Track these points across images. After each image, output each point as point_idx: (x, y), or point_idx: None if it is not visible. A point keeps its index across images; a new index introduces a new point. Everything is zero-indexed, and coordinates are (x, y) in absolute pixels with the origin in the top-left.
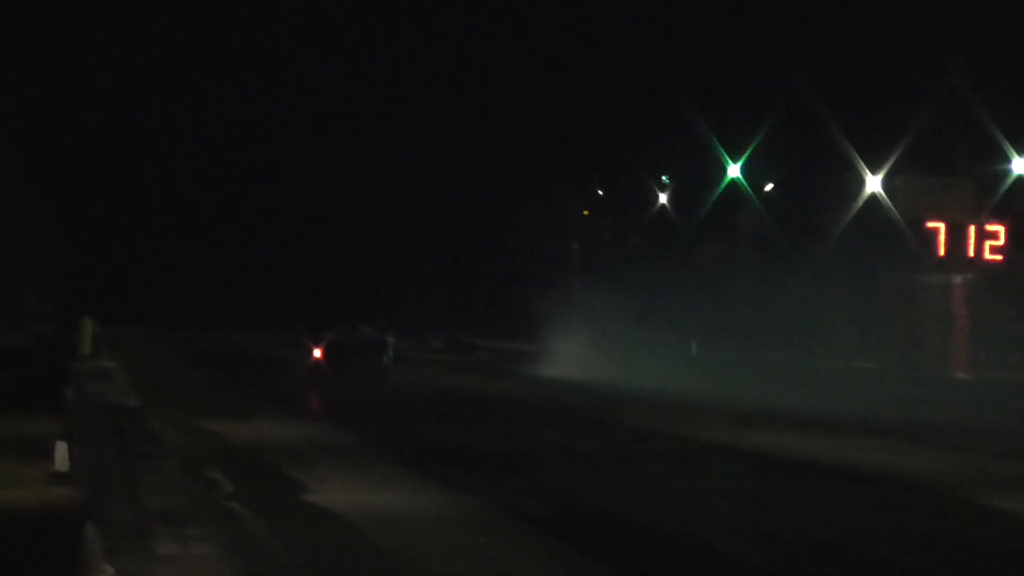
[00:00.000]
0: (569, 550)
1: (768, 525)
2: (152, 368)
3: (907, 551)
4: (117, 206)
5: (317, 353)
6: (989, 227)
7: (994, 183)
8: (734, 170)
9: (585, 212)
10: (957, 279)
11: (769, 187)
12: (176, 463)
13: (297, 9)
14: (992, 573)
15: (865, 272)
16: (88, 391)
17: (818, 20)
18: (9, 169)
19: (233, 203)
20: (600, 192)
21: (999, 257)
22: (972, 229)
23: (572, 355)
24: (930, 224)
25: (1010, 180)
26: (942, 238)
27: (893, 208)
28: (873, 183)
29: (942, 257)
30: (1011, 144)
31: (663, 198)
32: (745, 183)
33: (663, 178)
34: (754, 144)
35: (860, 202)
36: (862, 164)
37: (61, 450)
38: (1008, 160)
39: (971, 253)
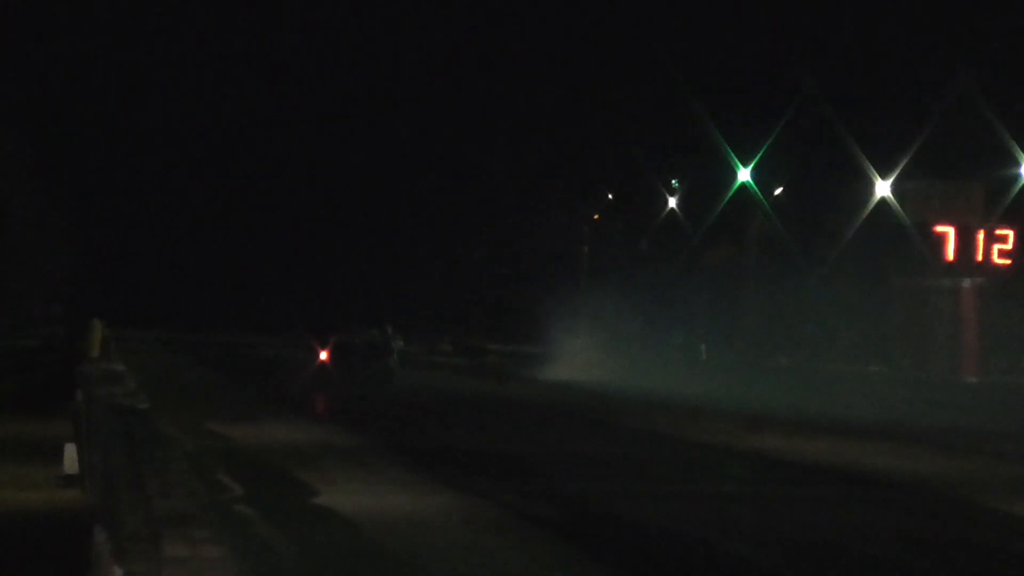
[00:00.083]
0: (576, 553)
1: (775, 528)
2: (160, 370)
3: (913, 554)
4: (125, 209)
5: (323, 355)
6: (998, 231)
7: (1003, 187)
8: (744, 174)
9: (595, 216)
10: (966, 283)
11: (779, 191)
12: (184, 465)
13: (304, 8)
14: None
15: (874, 276)
16: (97, 394)
17: (828, 24)
18: (18, 172)
19: (241, 206)
20: (610, 196)
21: (1008, 261)
22: (981, 233)
23: (581, 358)
24: (939, 228)
25: (1019, 184)
26: (951, 242)
27: (902, 212)
28: (883, 187)
29: (951, 261)
30: (1020, 148)
31: (672, 202)
32: (755, 187)
33: (672, 182)
34: (764, 148)
35: (869, 206)
36: (872, 168)
37: (70, 452)
38: (1017, 164)
39: (980, 257)
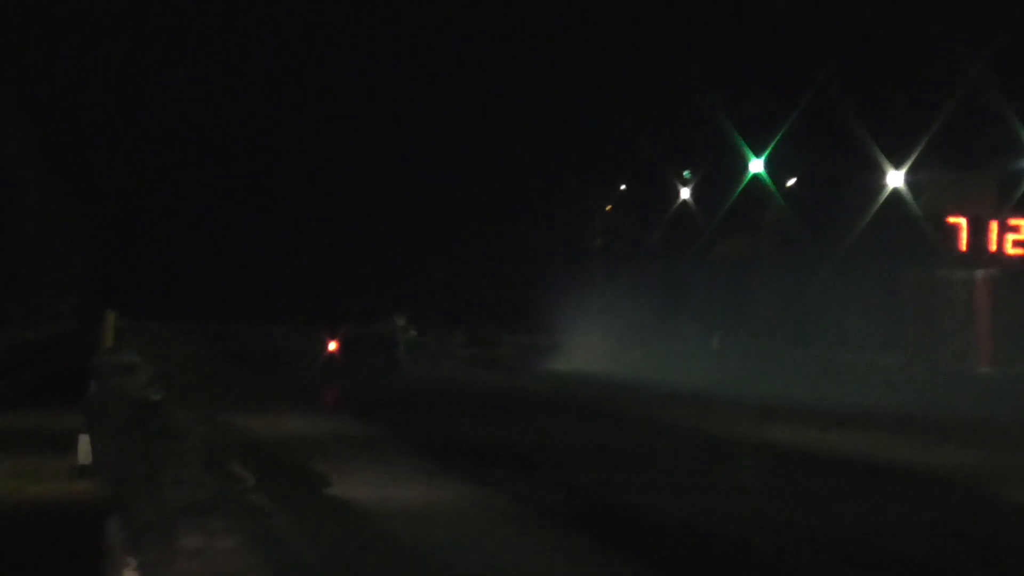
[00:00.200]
0: (592, 545)
1: (789, 520)
2: (173, 361)
3: (929, 546)
4: (139, 202)
5: (332, 346)
6: (1011, 222)
7: (1016, 178)
8: (756, 165)
9: (608, 207)
10: (979, 274)
11: (791, 182)
12: (198, 456)
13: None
14: (1017, 570)
15: (887, 267)
16: (111, 385)
17: (841, 15)
18: (32, 166)
19: (255, 198)
20: (622, 187)
21: (1021, 251)
22: (994, 224)
23: (594, 349)
24: (952, 219)
25: None
26: (964, 233)
27: (915, 203)
28: (895, 178)
29: (964, 252)
30: None
31: (685, 193)
32: (767, 178)
33: (684, 173)
34: (776, 139)
35: (882, 197)
36: (884, 159)
37: (84, 444)
38: None
39: (993, 248)
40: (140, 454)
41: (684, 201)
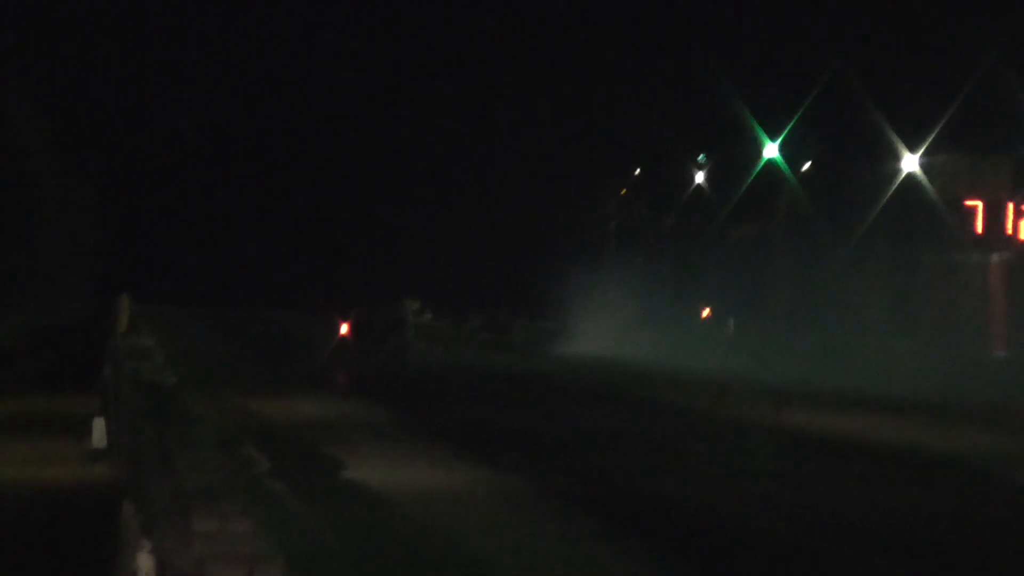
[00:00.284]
0: (605, 528)
1: (804, 504)
2: (188, 345)
3: (944, 530)
4: (154, 188)
5: (344, 329)
6: None
7: None
8: (771, 150)
9: (622, 192)
10: (995, 257)
11: (806, 166)
12: (213, 440)
13: None
14: None
15: (903, 251)
16: (125, 369)
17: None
18: (47, 152)
19: (270, 183)
20: (637, 172)
21: None
22: (1010, 207)
23: (609, 334)
24: (968, 203)
25: None
26: (980, 216)
27: (931, 187)
28: (911, 162)
29: (980, 235)
30: None
31: (700, 178)
32: (782, 163)
33: (699, 158)
34: (792, 123)
35: (898, 181)
36: (900, 143)
37: (99, 427)
38: None
39: (1009, 231)
40: (154, 438)
41: (699, 186)
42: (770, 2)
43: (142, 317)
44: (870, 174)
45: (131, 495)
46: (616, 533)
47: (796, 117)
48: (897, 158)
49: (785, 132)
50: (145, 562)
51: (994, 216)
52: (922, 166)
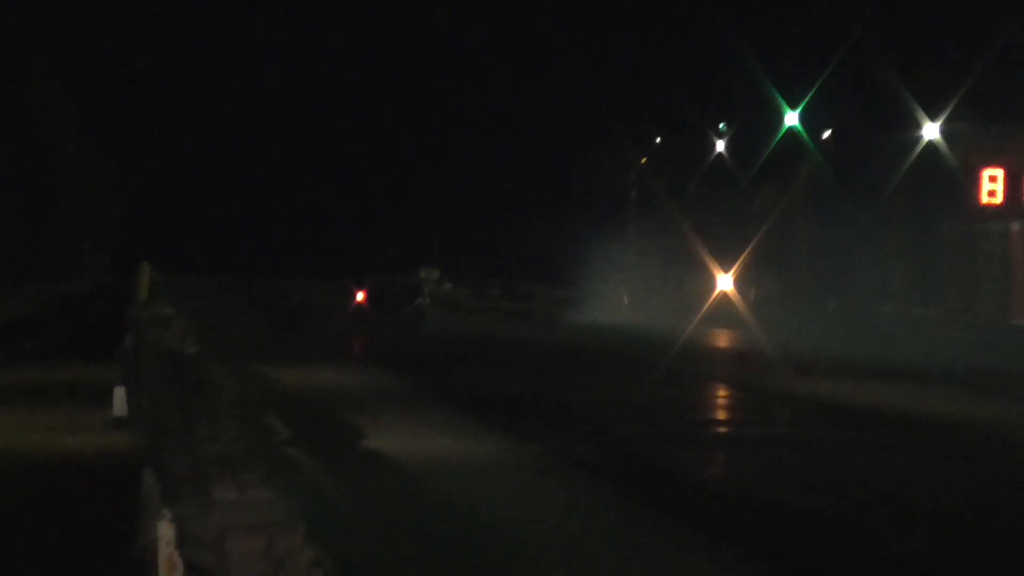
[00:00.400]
0: (624, 496)
1: (823, 472)
2: (208, 314)
3: (962, 499)
4: (174, 155)
5: (360, 297)
6: None
7: None
8: (792, 118)
9: (643, 160)
10: (1015, 225)
11: (827, 134)
12: (233, 409)
13: None
14: None
15: (923, 219)
16: (146, 338)
17: None
18: (67, 120)
19: (291, 152)
20: (658, 140)
21: None
22: None
23: (631, 301)
24: (989, 171)
25: None
26: (1000, 184)
27: (950, 155)
28: (931, 130)
29: (1000, 204)
30: None
31: (720, 146)
32: (803, 130)
33: (720, 126)
34: (812, 91)
35: (918, 149)
36: (920, 111)
37: (120, 396)
38: None
39: None
40: (175, 406)
41: (719, 154)
42: None
43: (163, 286)
44: (890, 142)
45: (152, 464)
46: (633, 502)
47: (816, 85)
48: (918, 126)
49: (805, 100)
50: (166, 530)
51: (1015, 184)
52: (943, 134)
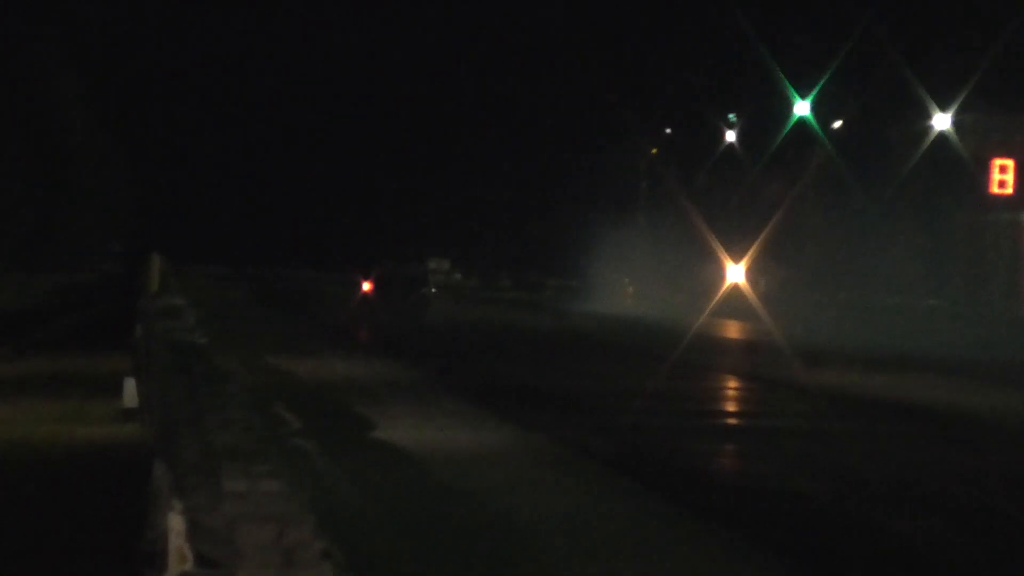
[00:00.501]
0: (634, 487)
1: (834, 463)
2: (219, 305)
3: (973, 488)
4: (185, 146)
5: (366, 286)
6: None
7: None
8: (802, 108)
9: (654, 151)
10: None
11: (837, 124)
12: (243, 400)
13: None
14: None
15: (933, 210)
16: (156, 328)
17: None
18: (80, 109)
19: (302, 144)
20: (668, 131)
21: None
22: None
23: (636, 292)
24: (999, 161)
25: None
26: (1011, 175)
27: (961, 145)
28: (942, 120)
29: (1011, 194)
30: None
31: (730, 136)
32: (813, 121)
33: (730, 116)
34: (822, 82)
35: (928, 140)
36: (931, 101)
37: (129, 387)
38: None
39: None
40: (185, 397)
41: (730, 144)
42: None
43: (173, 276)
44: (901, 132)
45: (161, 454)
46: (644, 492)
47: (827, 75)
48: (928, 116)
49: (816, 90)
50: (176, 522)
51: None
52: (954, 124)
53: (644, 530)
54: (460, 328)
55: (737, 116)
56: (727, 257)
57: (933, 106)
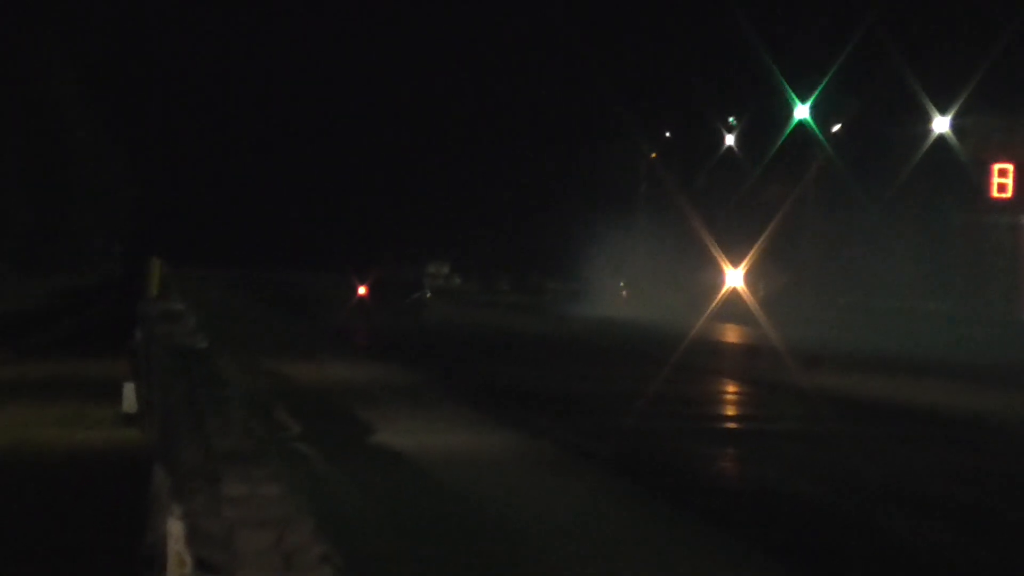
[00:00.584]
0: (633, 490)
1: (833, 466)
2: (219, 307)
3: (971, 491)
4: (185, 147)
5: (362, 290)
6: None
7: None
8: (802, 111)
9: (653, 155)
10: None
11: (836, 128)
12: (243, 404)
13: None
14: None
15: (933, 213)
16: (156, 332)
17: None
18: (80, 112)
19: (300, 147)
20: (668, 134)
21: None
22: None
23: (631, 295)
24: (999, 164)
25: None
26: (1011, 178)
27: (961, 148)
28: (941, 124)
29: (1010, 198)
30: None
31: (730, 139)
32: (813, 124)
33: (729, 120)
34: (822, 85)
35: (928, 143)
36: (931, 104)
37: (129, 391)
38: None
39: None
40: (185, 401)
41: (729, 147)
42: None
43: (173, 280)
44: (901, 135)
45: (161, 459)
46: (643, 494)
47: (827, 78)
48: (929, 119)
49: (816, 93)
50: (175, 527)
51: None
52: (953, 128)
53: (644, 532)
54: (458, 331)
55: (737, 119)
56: (726, 261)
57: (933, 109)
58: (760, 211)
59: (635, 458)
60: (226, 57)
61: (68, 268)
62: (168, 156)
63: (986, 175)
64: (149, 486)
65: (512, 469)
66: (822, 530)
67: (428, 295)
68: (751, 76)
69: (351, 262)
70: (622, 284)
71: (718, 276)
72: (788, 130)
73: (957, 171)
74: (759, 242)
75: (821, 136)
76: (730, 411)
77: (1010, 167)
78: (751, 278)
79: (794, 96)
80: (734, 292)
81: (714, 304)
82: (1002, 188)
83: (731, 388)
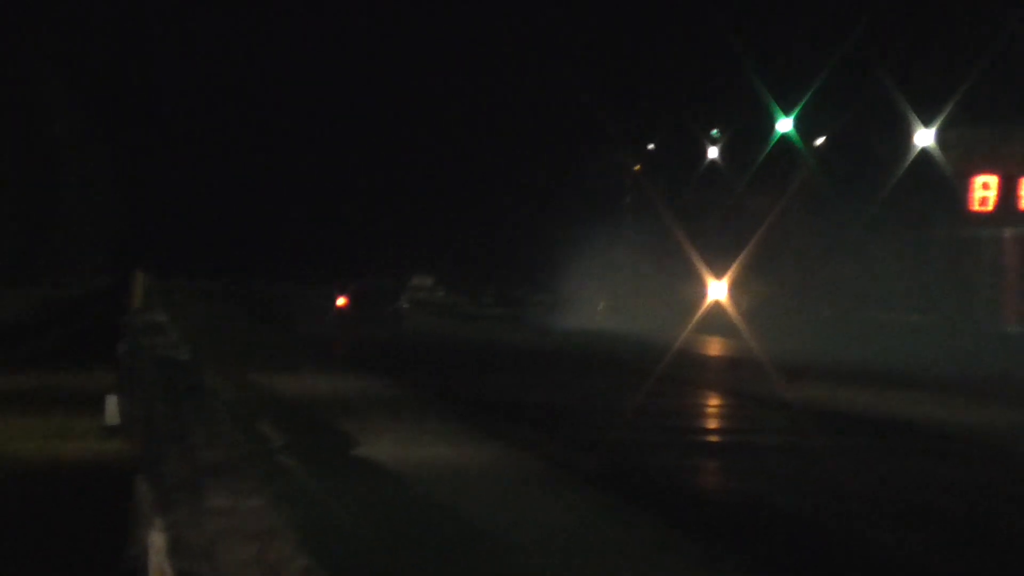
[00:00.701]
0: (617, 503)
1: (815, 478)
2: (203, 319)
3: (953, 503)
4: (171, 162)
5: (341, 301)
6: None
7: None
8: (784, 124)
9: (636, 167)
10: (1007, 232)
11: (820, 140)
12: (227, 416)
13: None
14: None
15: (916, 225)
16: (140, 344)
17: None
18: (67, 125)
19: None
20: (650, 146)
21: None
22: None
23: (623, 308)
24: (982, 177)
25: None
26: (994, 191)
27: (944, 161)
28: (925, 136)
29: (993, 210)
30: None
31: (713, 152)
32: (796, 137)
33: (713, 132)
34: (806, 98)
35: (912, 155)
36: (915, 116)
37: (111, 405)
38: None
39: (1023, 206)
40: (169, 413)
41: (712, 160)
42: None
43: (158, 292)
44: (885, 148)
45: (144, 471)
46: (626, 507)
47: (810, 92)
48: (912, 132)
49: (799, 106)
50: (157, 539)
51: (1008, 190)
52: (937, 140)
53: (628, 546)
54: (442, 344)
55: (721, 132)
56: (710, 273)
57: (917, 122)
58: (744, 223)
59: (619, 470)
60: (215, 74)
61: (56, 280)
62: (155, 169)
63: (969, 188)
64: (132, 498)
65: (497, 481)
66: (806, 541)
67: (405, 306)
68: (735, 89)
69: (336, 274)
70: (601, 305)
71: (699, 288)
72: (771, 143)
73: (941, 184)
74: (742, 254)
75: (804, 149)
76: (713, 423)
77: (994, 180)
78: (734, 290)
79: (778, 109)
80: (717, 304)
81: (697, 316)
82: (983, 202)
83: (714, 400)
